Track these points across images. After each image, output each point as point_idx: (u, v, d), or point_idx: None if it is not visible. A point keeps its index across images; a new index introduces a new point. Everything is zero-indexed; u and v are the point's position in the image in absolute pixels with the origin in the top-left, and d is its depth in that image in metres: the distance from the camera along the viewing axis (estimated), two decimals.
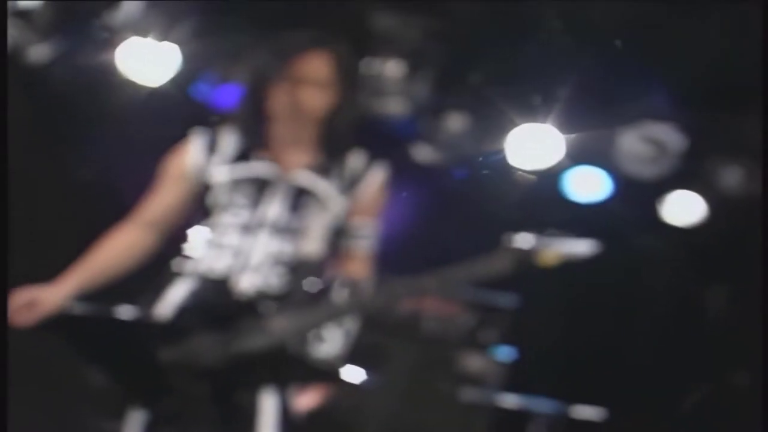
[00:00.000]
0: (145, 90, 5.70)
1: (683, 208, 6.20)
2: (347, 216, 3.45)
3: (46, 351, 3.34)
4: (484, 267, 3.13)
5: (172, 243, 3.47)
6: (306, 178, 3.40)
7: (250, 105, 3.43)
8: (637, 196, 6.13)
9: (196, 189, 3.44)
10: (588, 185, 6.20)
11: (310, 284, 3.29)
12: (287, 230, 3.36)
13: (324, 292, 3.35)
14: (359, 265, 3.48)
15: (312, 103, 3.36)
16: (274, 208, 3.36)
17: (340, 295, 3.34)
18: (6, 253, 3.33)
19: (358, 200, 3.45)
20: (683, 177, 6.08)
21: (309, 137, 3.44)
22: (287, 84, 3.35)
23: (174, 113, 5.59)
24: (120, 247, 3.41)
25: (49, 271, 3.34)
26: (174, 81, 5.74)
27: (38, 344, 3.27)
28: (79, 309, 3.26)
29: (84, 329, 3.26)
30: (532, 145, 6.00)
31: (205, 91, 6.01)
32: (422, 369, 5.78)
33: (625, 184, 6.10)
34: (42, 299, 3.21)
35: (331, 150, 3.45)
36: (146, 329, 3.26)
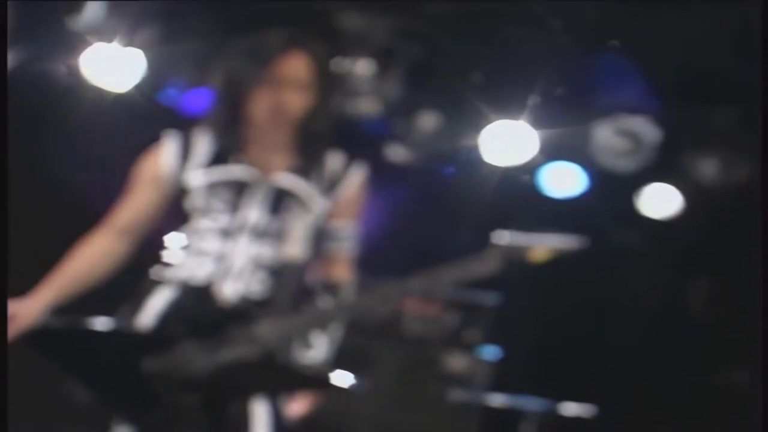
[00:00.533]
0: (112, 96, 5.58)
1: (660, 201, 6.16)
2: (328, 218, 3.37)
3: (24, 367, 3.20)
4: (473, 267, 3.08)
5: (150, 250, 3.37)
6: (285, 180, 3.32)
7: (226, 108, 3.33)
8: (613, 190, 6.08)
9: (171, 193, 3.34)
10: (563, 181, 6.15)
11: (294, 288, 3.21)
12: (268, 234, 3.27)
13: (308, 297, 3.28)
14: (341, 267, 3.40)
15: (293, 105, 3.27)
16: (254, 211, 3.27)
17: (324, 300, 3.28)
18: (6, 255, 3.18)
19: (338, 201, 3.38)
20: (659, 169, 6.02)
21: (287, 139, 3.35)
22: (267, 86, 3.26)
23: (142, 118, 5.48)
24: (93, 256, 3.30)
25: (20, 284, 3.22)
26: (141, 86, 5.62)
27: (16, 360, 3.13)
28: (57, 322, 3.15)
29: (63, 342, 3.15)
30: (506, 141, 5.92)
31: (173, 95, 5.91)
32: (408, 371, 5.74)
33: (601, 178, 6.04)
34: (17, 313, 3.10)
35: (309, 151, 3.36)
36: (128, 340, 3.16)
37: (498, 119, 5.89)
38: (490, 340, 5.86)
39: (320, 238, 3.37)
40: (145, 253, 3.36)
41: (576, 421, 5.53)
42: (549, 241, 3.04)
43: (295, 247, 3.26)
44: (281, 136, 3.34)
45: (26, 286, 3.20)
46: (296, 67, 3.27)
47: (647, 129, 5.86)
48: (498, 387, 5.81)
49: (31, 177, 5.59)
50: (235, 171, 3.30)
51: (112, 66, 5.50)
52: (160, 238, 3.37)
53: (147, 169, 3.37)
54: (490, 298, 5.88)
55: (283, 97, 3.25)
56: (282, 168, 3.32)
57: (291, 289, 3.21)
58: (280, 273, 3.22)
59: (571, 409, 5.61)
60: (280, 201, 3.29)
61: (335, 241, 3.38)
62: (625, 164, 5.90)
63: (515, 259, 3.05)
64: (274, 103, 3.25)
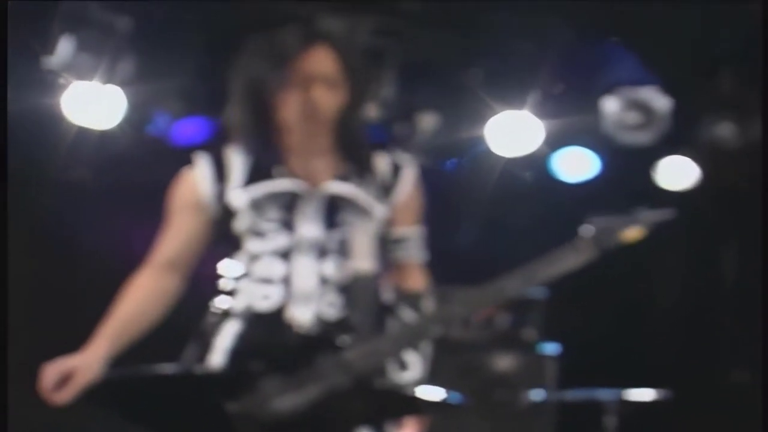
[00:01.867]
0: (97, 133, 5.31)
1: (679, 172, 5.96)
2: (390, 224, 3.04)
3: (92, 426, 2.84)
4: (568, 259, 2.78)
5: (205, 283, 3.02)
6: (336, 188, 2.98)
7: (255, 116, 2.99)
8: (630, 166, 5.85)
9: (214, 218, 2.99)
10: (577, 165, 5.98)
11: (371, 305, 2.87)
12: (331, 248, 2.93)
13: (388, 312, 2.96)
14: (416, 276, 3.07)
15: (325, 103, 2.94)
16: (311, 226, 2.93)
17: (406, 313, 2.95)
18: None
19: (397, 205, 3.05)
20: (674, 140, 5.83)
21: (327, 143, 3.02)
22: (294, 86, 2.93)
23: (133, 153, 5.31)
24: (143, 296, 2.96)
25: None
26: (127, 122, 5.34)
27: (82, 420, 2.77)
28: (119, 372, 2.80)
29: (130, 394, 2.79)
30: (513, 132, 5.72)
31: (163, 128, 5.63)
32: (470, 377, 5.42)
33: (617, 156, 5.83)
34: (75, 369, 2.75)
35: (354, 154, 3.03)
36: (203, 382, 2.81)
37: (501, 110, 5.67)
38: (547, 335, 5.60)
39: (386, 247, 3.04)
40: (201, 287, 3.02)
41: (651, 405, 5.23)
42: (639, 219, 2.80)
43: (364, 260, 2.91)
44: (320, 141, 3.01)
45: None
46: (322, 61, 2.93)
47: (657, 98, 5.66)
48: (565, 383, 5.54)
49: (30, 225, 5.28)
50: (279, 185, 2.95)
51: (94, 104, 5.23)
52: (213, 268, 3.02)
53: (183, 196, 3.02)
54: (538, 293, 5.61)
55: (314, 96, 2.91)
56: (329, 176, 2.99)
57: (368, 305, 2.86)
58: (353, 289, 2.88)
59: (644, 394, 5.30)
60: (336, 211, 2.95)
61: (404, 249, 3.05)
62: (639, 137, 5.70)
63: (609, 244, 2.78)
64: (305, 104, 2.92)
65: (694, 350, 6.06)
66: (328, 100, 2.93)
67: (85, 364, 2.76)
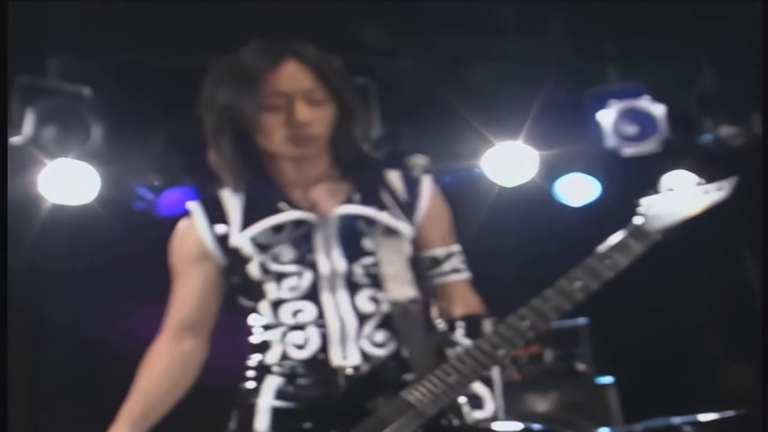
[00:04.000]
0: (76, 210, 5.02)
1: (683, 178, 5.71)
2: (421, 246, 2.70)
3: None
4: (629, 248, 2.51)
5: (236, 342, 2.69)
6: (350, 211, 2.63)
7: (237, 152, 2.63)
8: (635, 179, 5.62)
9: (222, 266, 2.67)
10: (578, 190, 5.86)
11: (423, 335, 2.55)
12: (360, 279, 2.59)
13: (446, 341, 2.62)
14: (466, 297, 2.72)
15: (311, 120, 2.59)
16: (334, 258, 2.59)
17: (467, 340, 2.60)
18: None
19: (423, 222, 2.71)
20: (674, 148, 5.62)
21: (323, 166, 2.69)
22: (272, 108, 2.58)
23: (117, 228, 5.05)
24: (163, 367, 2.67)
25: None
26: (106, 197, 5.08)
27: None
28: None
29: None
30: (510, 162, 5.61)
31: (146, 199, 5.38)
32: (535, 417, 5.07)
33: (616, 174, 5.62)
34: None
35: (359, 172, 2.70)
36: None
37: (497, 142, 5.57)
38: (601, 366, 5.31)
39: (423, 270, 2.71)
40: (232, 348, 2.70)
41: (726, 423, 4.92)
42: (706, 190, 2.62)
43: (401, 286, 2.60)
44: (316, 164, 2.68)
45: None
46: (295, 76, 2.59)
47: (652, 106, 5.50)
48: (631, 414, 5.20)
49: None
50: (283, 219, 2.61)
51: (71, 181, 4.96)
52: (240, 324, 2.68)
53: (184, 248, 2.70)
54: (580, 321, 5.36)
55: (297, 115, 2.57)
56: (337, 200, 2.65)
57: (419, 336, 2.55)
58: (397, 321, 2.56)
59: (710, 416, 4.99)
60: (356, 238, 2.61)
61: (444, 269, 2.72)
62: (641, 147, 5.50)
63: (669, 224, 2.55)
64: (289, 125, 2.58)
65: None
66: (314, 117, 2.59)
67: None
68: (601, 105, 5.48)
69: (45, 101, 4.81)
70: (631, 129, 5.47)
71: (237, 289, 2.67)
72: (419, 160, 5.58)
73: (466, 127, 5.48)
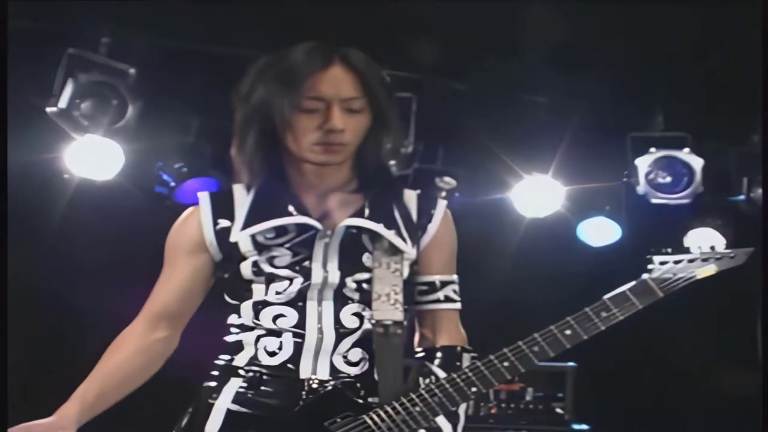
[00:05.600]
0: (98, 186, 5.16)
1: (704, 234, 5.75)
2: (420, 269, 2.69)
3: None
4: (629, 304, 2.53)
5: (213, 336, 2.70)
6: (361, 225, 2.62)
7: (261, 150, 2.63)
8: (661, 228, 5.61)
9: (215, 261, 2.67)
10: (600, 232, 5.93)
11: (401, 358, 2.54)
12: (351, 294, 2.59)
13: (422, 369, 2.61)
14: (452, 327, 2.72)
15: (344, 129, 2.58)
16: (330, 269, 2.59)
17: (443, 372, 2.59)
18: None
19: (428, 247, 2.70)
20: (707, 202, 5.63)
21: (346, 176, 2.68)
22: (308, 111, 2.57)
23: (137, 208, 5.21)
24: (130, 352, 2.66)
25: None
26: (130, 175, 5.22)
27: None
28: None
29: None
30: (537, 196, 5.70)
31: (168, 184, 5.46)
32: None
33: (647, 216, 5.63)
34: (52, 428, 2.47)
35: (377, 188, 2.68)
36: None
37: (525, 175, 5.65)
38: (579, 412, 5.33)
39: (416, 294, 2.71)
40: (209, 340, 2.71)
41: None
42: (716, 258, 2.59)
43: (390, 309, 2.59)
44: (339, 173, 2.66)
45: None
46: (341, 82, 2.58)
47: (692, 159, 5.48)
48: None
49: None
50: (289, 223, 2.60)
51: (98, 158, 5.05)
52: (218, 319, 2.70)
53: (182, 239, 2.70)
54: (566, 365, 5.38)
55: (332, 121, 2.56)
56: (348, 212, 2.64)
57: (396, 361, 2.54)
58: (378, 343, 2.56)
59: None
60: (356, 253, 2.61)
61: (436, 296, 2.70)
62: (672, 198, 5.50)
63: (675, 286, 2.56)
64: (323, 129, 2.57)
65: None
66: (348, 125, 2.58)
67: (61, 422, 2.48)
68: (643, 150, 5.49)
69: (88, 75, 4.88)
70: (664, 178, 5.47)
71: (224, 286, 2.67)
72: (448, 182, 5.63)
73: (498, 157, 5.53)
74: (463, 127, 5.49)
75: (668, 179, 5.46)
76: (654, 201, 5.46)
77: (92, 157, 5.03)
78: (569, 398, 5.33)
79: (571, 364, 5.40)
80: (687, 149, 5.46)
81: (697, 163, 5.45)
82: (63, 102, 4.85)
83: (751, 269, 2.69)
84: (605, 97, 5.33)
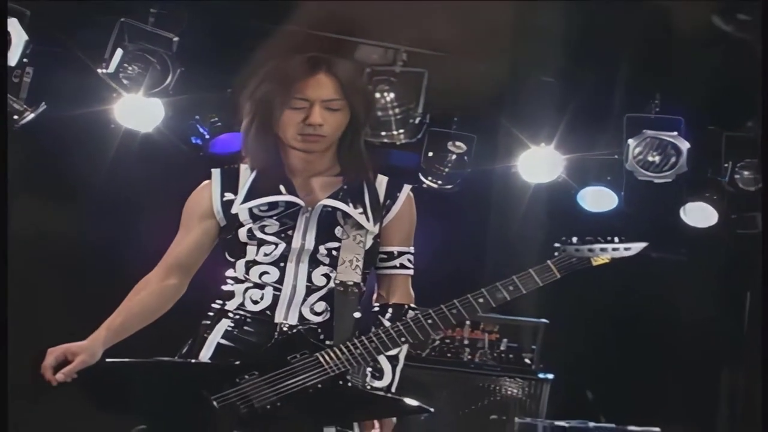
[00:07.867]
0: (141, 138, 5.84)
1: (700, 210, 6.24)
2: (382, 241, 3.33)
3: (86, 407, 3.18)
4: (537, 277, 3.11)
5: (208, 284, 3.34)
6: (334, 205, 3.26)
7: (262, 138, 3.29)
8: (653, 204, 6.09)
9: (220, 226, 3.31)
10: (598, 199, 6.35)
11: (354, 313, 3.19)
12: (322, 259, 3.23)
13: (371, 321, 3.25)
14: (402, 289, 3.35)
15: (323, 123, 3.22)
16: (307, 238, 3.23)
17: (387, 323, 3.23)
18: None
19: (389, 224, 3.33)
20: (695, 179, 6.10)
21: (327, 162, 3.32)
22: (296, 109, 3.23)
23: (175, 160, 5.77)
24: (149, 294, 3.29)
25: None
26: (171, 129, 5.84)
27: (78, 400, 3.13)
28: (115, 360, 3.15)
29: (123, 379, 3.14)
30: (539, 165, 6.21)
31: (204, 136, 6.08)
32: (467, 398, 5.78)
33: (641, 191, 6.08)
34: (75, 353, 3.09)
35: (352, 173, 3.32)
36: (189, 373, 3.15)
37: (530, 146, 6.14)
38: (546, 363, 5.90)
39: (376, 261, 3.33)
40: (204, 288, 3.34)
41: None
42: (608, 248, 3.12)
43: (352, 272, 3.23)
44: (322, 160, 3.30)
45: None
46: (320, 86, 3.23)
47: (678, 141, 5.95)
48: (558, 412, 5.80)
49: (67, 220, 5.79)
50: (278, 200, 3.25)
51: (141, 113, 5.73)
52: (218, 272, 3.33)
53: (196, 205, 3.35)
54: (539, 321, 5.94)
55: (312, 117, 3.20)
56: (328, 194, 3.28)
57: (351, 313, 3.17)
58: (339, 298, 3.19)
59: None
60: (329, 226, 3.24)
61: (391, 264, 3.34)
62: (662, 176, 5.97)
63: (572, 268, 3.12)
64: (305, 124, 3.21)
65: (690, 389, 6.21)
66: (327, 120, 3.22)
67: (84, 350, 3.10)
68: (638, 130, 5.99)
69: (135, 43, 5.56)
70: (653, 158, 5.95)
71: (225, 246, 3.31)
72: (459, 146, 6.20)
73: (506, 129, 6.08)
74: (477, 99, 6.02)
75: (657, 158, 5.95)
76: (640, 178, 5.95)
77: (137, 112, 5.70)
78: (538, 350, 5.89)
79: (543, 320, 5.95)
80: (675, 132, 5.94)
81: (684, 145, 5.92)
82: (113, 66, 5.53)
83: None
84: (608, 79, 5.80)
